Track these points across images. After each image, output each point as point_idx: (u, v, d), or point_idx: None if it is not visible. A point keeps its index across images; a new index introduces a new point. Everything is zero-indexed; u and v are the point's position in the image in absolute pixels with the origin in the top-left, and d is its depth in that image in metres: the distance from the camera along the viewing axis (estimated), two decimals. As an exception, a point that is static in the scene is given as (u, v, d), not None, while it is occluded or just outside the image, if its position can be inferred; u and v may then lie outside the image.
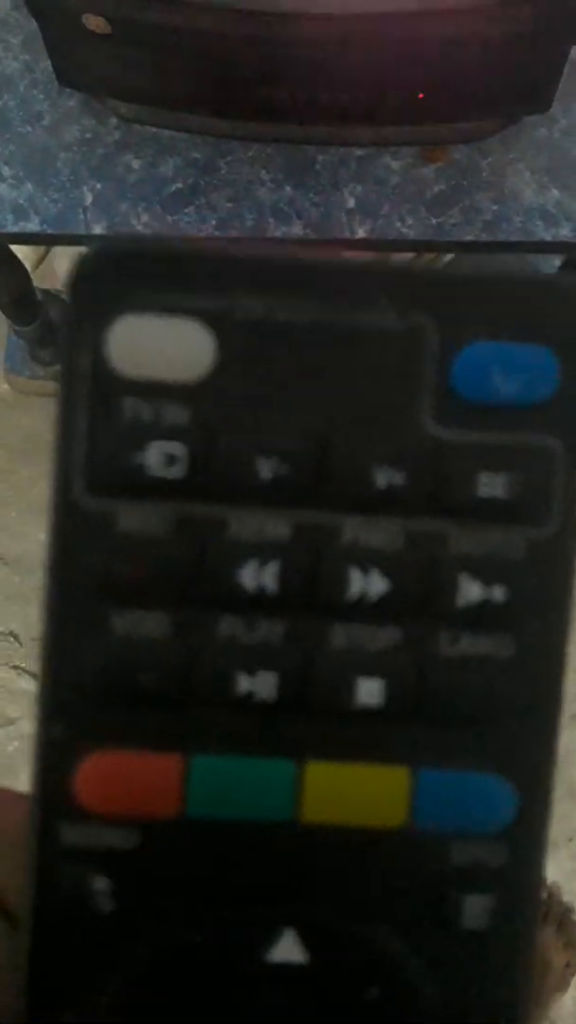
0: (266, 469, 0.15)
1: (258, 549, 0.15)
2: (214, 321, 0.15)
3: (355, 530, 0.16)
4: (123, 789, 0.16)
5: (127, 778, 0.16)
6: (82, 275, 0.15)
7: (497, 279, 0.16)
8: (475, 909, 0.16)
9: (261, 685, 0.16)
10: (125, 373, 0.15)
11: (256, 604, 0.16)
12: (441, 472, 0.15)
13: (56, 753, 0.16)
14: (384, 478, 0.15)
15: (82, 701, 0.16)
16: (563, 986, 1.39)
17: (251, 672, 0.16)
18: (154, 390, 0.15)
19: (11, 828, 0.16)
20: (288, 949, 0.16)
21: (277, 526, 0.16)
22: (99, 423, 0.15)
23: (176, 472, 0.15)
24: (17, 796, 0.17)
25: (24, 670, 1.49)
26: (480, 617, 0.16)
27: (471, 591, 0.15)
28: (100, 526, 0.15)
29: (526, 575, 0.16)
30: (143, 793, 0.16)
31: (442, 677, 0.16)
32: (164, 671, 0.16)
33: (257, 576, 0.15)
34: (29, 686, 1.47)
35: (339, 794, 0.16)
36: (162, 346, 0.15)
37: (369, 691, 0.16)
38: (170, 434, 0.15)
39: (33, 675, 1.47)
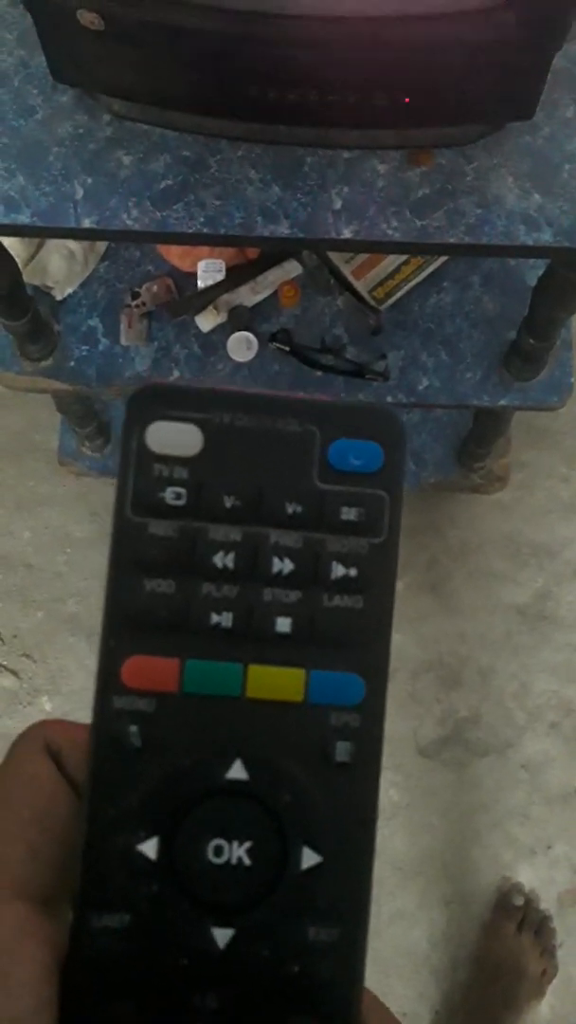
0: (229, 503, 0.26)
1: (224, 546, 0.26)
2: (202, 425, 0.26)
3: (276, 537, 0.26)
4: (148, 676, 0.26)
5: (151, 671, 0.26)
6: (134, 399, 0.26)
7: (349, 406, 0.27)
8: (342, 749, 0.26)
9: (225, 619, 0.26)
10: (154, 451, 0.26)
11: (222, 576, 0.26)
12: (322, 507, 0.26)
13: (112, 655, 0.26)
14: (292, 509, 0.26)
15: (127, 626, 0.26)
16: (539, 993, 1.37)
17: (219, 612, 0.26)
18: (169, 460, 0.26)
19: (80, 740, 0.26)
20: (238, 770, 0.26)
21: (234, 534, 0.26)
22: (140, 477, 0.26)
23: (180, 503, 0.26)
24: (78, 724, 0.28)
25: (5, 667, 1.45)
26: (344, 585, 0.26)
27: (338, 571, 0.26)
28: (139, 531, 0.26)
29: (369, 563, 0.26)
30: (159, 679, 0.26)
31: (323, 618, 0.26)
32: (172, 612, 0.26)
33: (223, 560, 0.26)
34: (11, 684, 1.45)
35: (267, 683, 0.26)
36: (174, 438, 0.26)
37: (283, 625, 0.26)
38: (177, 483, 0.26)
39: (13, 672, 1.46)
